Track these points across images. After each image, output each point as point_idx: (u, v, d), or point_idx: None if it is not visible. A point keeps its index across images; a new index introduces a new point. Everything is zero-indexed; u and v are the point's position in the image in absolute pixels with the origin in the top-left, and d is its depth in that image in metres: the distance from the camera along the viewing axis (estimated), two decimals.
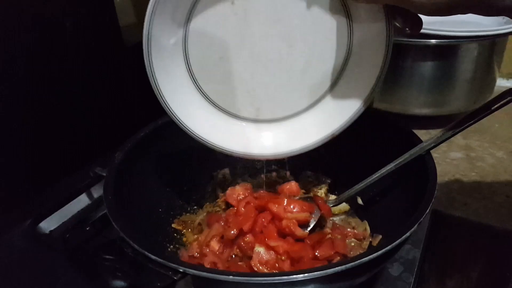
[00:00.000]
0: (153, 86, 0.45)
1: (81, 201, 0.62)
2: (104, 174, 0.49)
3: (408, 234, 0.38)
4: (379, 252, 0.37)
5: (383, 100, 0.85)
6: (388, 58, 0.45)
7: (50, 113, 0.65)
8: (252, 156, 0.52)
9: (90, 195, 0.63)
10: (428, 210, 0.41)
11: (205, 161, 0.65)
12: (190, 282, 0.36)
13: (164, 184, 0.60)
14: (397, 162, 0.51)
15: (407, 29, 0.44)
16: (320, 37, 0.46)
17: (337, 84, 0.51)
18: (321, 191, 0.62)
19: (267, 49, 0.47)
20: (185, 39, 0.46)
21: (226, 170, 0.66)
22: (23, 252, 0.56)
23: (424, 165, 0.49)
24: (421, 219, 0.40)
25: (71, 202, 0.61)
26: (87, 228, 0.56)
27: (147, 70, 0.44)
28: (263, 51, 0.47)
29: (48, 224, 0.58)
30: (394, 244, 0.38)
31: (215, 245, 0.50)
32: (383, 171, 0.52)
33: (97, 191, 0.63)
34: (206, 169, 0.66)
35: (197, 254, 0.50)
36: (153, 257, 0.35)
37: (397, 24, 0.43)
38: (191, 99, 0.50)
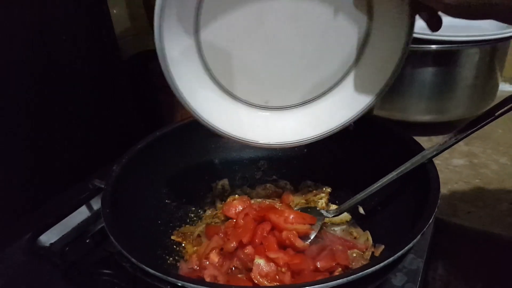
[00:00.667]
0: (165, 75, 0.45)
1: (81, 214, 0.62)
2: (103, 186, 0.49)
3: (411, 244, 0.38)
4: (382, 264, 0.36)
5: (383, 107, 0.84)
6: (405, 54, 0.46)
7: (48, 127, 0.65)
8: (256, 144, 0.52)
9: (89, 208, 0.63)
10: (431, 220, 0.41)
11: (204, 172, 0.65)
12: None
13: (162, 196, 0.59)
14: (399, 170, 0.50)
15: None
16: (336, 34, 0.47)
17: (348, 75, 0.52)
18: (322, 201, 0.61)
19: (281, 41, 0.47)
20: (197, 25, 0.45)
21: (225, 181, 0.66)
22: (23, 266, 0.56)
23: (426, 173, 0.48)
24: (424, 229, 0.39)
25: (70, 215, 0.61)
26: (87, 241, 0.55)
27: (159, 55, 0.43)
28: (277, 42, 0.47)
29: (48, 237, 0.58)
30: (397, 255, 0.37)
31: (214, 257, 0.50)
32: (385, 180, 0.51)
33: (96, 203, 0.63)
34: (204, 180, 0.65)
35: (197, 266, 0.50)
36: (151, 271, 0.35)
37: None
38: (202, 85, 0.49)
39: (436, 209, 0.42)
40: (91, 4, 0.68)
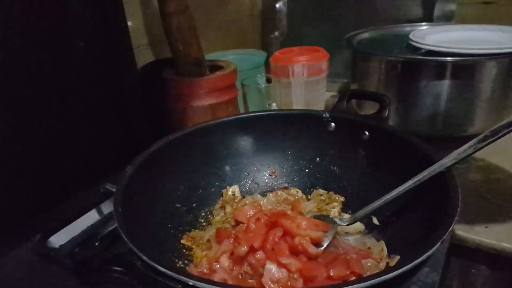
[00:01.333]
0: None
1: (91, 217, 0.61)
2: (114, 190, 0.48)
3: (430, 252, 0.37)
4: (398, 271, 0.35)
5: (396, 121, 0.84)
6: None
7: (62, 131, 0.66)
8: None
9: (99, 211, 0.63)
10: (450, 229, 0.40)
11: (215, 178, 0.65)
12: None
13: (173, 200, 0.59)
14: (416, 179, 0.49)
15: None
16: None
17: None
18: (334, 210, 0.60)
19: None
20: None
21: (236, 188, 0.65)
22: (32, 267, 0.56)
23: (445, 182, 0.47)
24: (444, 237, 0.38)
25: (80, 218, 0.60)
26: (96, 244, 0.55)
27: None
28: None
29: (57, 239, 0.57)
30: (415, 262, 0.36)
31: (225, 261, 0.49)
32: (401, 189, 0.50)
33: (106, 207, 0.63)
34: (215, 186, 0.65)
35: (207, 270, 0.49)
36: (162, 269, 0.34)
37: None
38: None
39: (455, 218, 0.41)
40: (109, 14, 0.69)
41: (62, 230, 0.58)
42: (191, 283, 0.34)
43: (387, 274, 0.35)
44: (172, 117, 0.79)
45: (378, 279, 0.35)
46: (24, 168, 0.61)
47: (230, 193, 0.64)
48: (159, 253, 0.50)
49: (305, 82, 0.88)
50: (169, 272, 0.34)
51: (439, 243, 0.38)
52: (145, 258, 0.35)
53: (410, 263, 0.37)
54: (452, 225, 0.40)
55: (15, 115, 0.59)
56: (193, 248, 0.55)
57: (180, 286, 0.33)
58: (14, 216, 0.60)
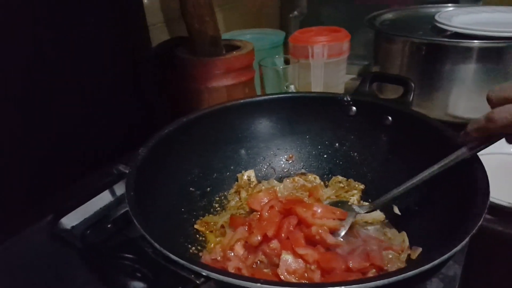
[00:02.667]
0: None
1: (103, 199, 0.60)
2: (127, 172, 0.47)
3: (459, 247, 0.34)
4: (425, 267, 0.33)
5: (420, 105, 0.80)
6: None
7: (75, 110, 0.64)
8: None
9: (112, 193, 0.62)
10: (481, 220, 0.37)
11: (230, 162, 0.63)
12: (214, 287, 0.33)
13: (187, 184, 0.57)
14: (440, 165, 0.46)
15: None
16: None
17: None
18: (354, 198, 0.58)
19: None
20: None
21: (251, 172, 0.63)
22: (43, 247, 0.55)
23: (472, 169, 0.44)
24: (474, 230, 0.36)
25: (93, 199, 0.59)
26: (108, 226, 0.54)
27: None
28: None
29: (69, 220, 0.57)
30: (444, 257, 0.33)
31: (239, 249, 0.47)
32: (425, 174, 0.47)
33: (119, 189, 0.61)
34: (230, 170, 0.63)
35: (220, 258, 0.47)
36: (174, 257, 0.32)
37: None
38: None
39: (486, 209, 0.38)
40: None
41: (74, 211, 0.57)
42: (204, 273, 0.32)
43: (413, 270, 0.33)
44: (187, 98, 0.77)
45: (403, 275, 0.32)
46: (37, 148, 0.60)
47: (245, 177, 0.62)
48: (172, 238, 0.49)
49: (325, 64, 0.85)
50: (181, 261, 0.32)
51: (469, 237, 0.36)
52: (156, 245, 0.34)
53: (436, 256, 0.34)
54: (483, 217, 0.38)
55: (28, 95, 0.58)
56: (206, 233, 0.53)
57: (192, 275, 0.32)
58: (26, 196, 0.60)
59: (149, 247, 0.34)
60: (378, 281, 0.32)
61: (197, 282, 0.31)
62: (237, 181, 0.63)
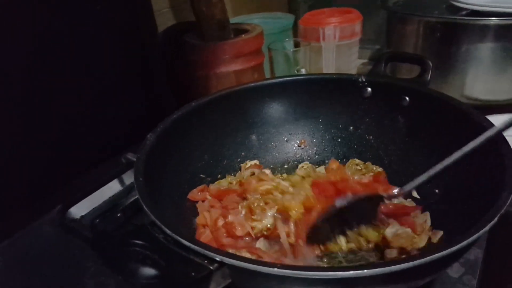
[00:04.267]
0: None
1: (112, 188, 0.59)
2: (137, 156, 0.46)
3: (486, 228, 0.32)
4: (454, 248, 0.31)
5: (436, 87, 0.77)
6: None
7: (81, 99, 0.63)
8: None
9: (121, 182, 0.61)
10: (508, 202, 0.35)
11: (241, 147, 0.61)
12: (228, 274, 0.31)
13: (197, 170, 0.56)
14: (470, 147, 0.43)
15: None
16: None
17: None
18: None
19: None
20: None
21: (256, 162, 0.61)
22: (53, 237, 0.55)
23: (498, 151, 0.42)
24: (500, 212, 0.34)
25: (102, 188, 0.58)
26: (118, 215, 0.54)
27: None
28: None
29: (78, 210, 0.55)
30: (469, 240, 0.31)
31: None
32: (450, 161, 0.44)
33: (128, 178, 0.60)
34: (241, 157, 0.61)
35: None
36: (186, 243, 0.31)
37: None
38: None
39: None
40: None
41: (82, 201, 0.56)
42: (218, 259, 0.30)
43: (438, 252, 0.31)
44: (195, 85, 0.75)
45: (426, 258, 0.30)
46: (46, 140, 0.59)
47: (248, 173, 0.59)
48: (182, 224, 0.47)
49: (337, 46, 0.82)
50: (194, 246, 0.31)
51: (496, 218, 0.34)
52: (167, 230, 0.32)
53: (461, 239, 0.32)
54: (510, 200, 0.36)
55: (35, 85, 0.57)
56: None
57: (206, 261, 0.30)
58: (35, 187, 0.59)
59: (160, 233, 0.32)
60: (401, 265, 0.30)
61: (211, 267, 0.30)
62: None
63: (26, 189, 0.58)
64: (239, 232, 0.46)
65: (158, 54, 0.74)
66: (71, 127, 0.62)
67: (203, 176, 0.56)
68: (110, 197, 0.57)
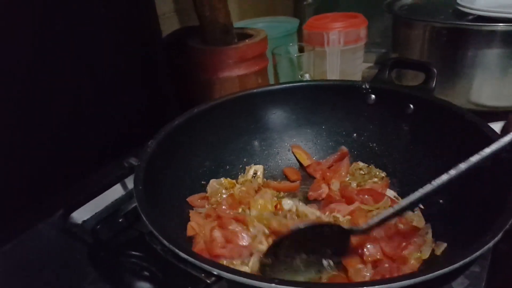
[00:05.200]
0: None
1: (115, 192, 0.59)
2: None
3: (491, 243, 0.32)
4: (457, 265, 0.30)
5: (441, 93, 0.76)
6: None
7: (85, 102, 0.63)
8: None
9: (124, 186, 0.60)
10: None
11: (243, 153, 0.61)
12: (226, 287, 0.31)
13: (198, 177, 0.55)
14: (474, 162, 0.42)
15: None
16: None
17: None
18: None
19: None
20: None
21: (259, 167, 0.61)
22: (54, 242, 0.54)
23: (502, 163, 0.41)
24: (507, 226, 0.33)
25: (104, 193, 0.58)
26: (120, 220, 0.53)
27: None
28: None
29: (81, 215, 0.55)
30: (475, 254, 0.31)
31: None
32: (463, 168, 0.42)
33: (131, 182, 0.59)
34: (243, 162, 0.61)
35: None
36: (184, 255, 0.31)
37: None
38: None
39: None
40: None
41: (85, 206, 0.56)
42: (215, 272, 0.30)
43: (441, 269, 0.30)
44: (198, 90, 0.75)
45: (431, 275, 0.30)
46: (46, 141, 0.59)
47: (251, 172, 0.59)
48: (182, 234, 0.47)
49: (341, 51, 0.82)
50: (191, 259, 0.30)
51: (499, 236, 0.33)
52: (165, 241, 0.32)
53: (462, 256, 0.32)
54: None
55: (38, 88, 0.56)
56: None
57: (203, 274, 0.30)
58: (36, 191, 0.59)
59: (158, 244, 0.32)
60: (403, 281, 0.30)
61: (208, 281, 0.29)
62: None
63: (27, 192, 0.58)
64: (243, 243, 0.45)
65: (162, 59, 0.74)
66: (73, 129, 0.62)
67: (205, 182, 0.55)
68: (112, 202, 0.57)
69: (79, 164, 0.63)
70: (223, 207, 0.50)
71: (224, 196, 0.53)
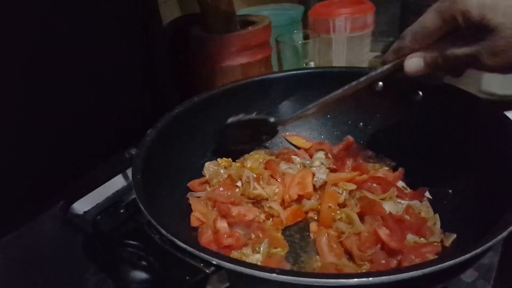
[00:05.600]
0: None
1: (116, 183, 0.58)
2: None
3: (505, 233, 0.30)
4: (468, 255, 0.29)
5: (450, 82, 0.75)
6: None
7: (86, 94, 0.62)
8: None
9: (125, 177, 0.59)
10: None
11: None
12: (226, 277, 0.30)
13: (201, 167, 0.54)
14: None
15: None
16: None
17: None
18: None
19: None
20: None
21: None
22: (55, 233, 0.54)
23: None
24: None
25: (105, 184, 0.57)
26: (121, 211, 0.52)
27: None
28: None
29: (82, 205, 0.54)
30: (487, 245, 0.29)
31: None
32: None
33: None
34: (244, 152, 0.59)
35: None
36: (182, 244, 0.29)
37: None
38: None
39: None
40: None
41: (86, 197, 0.55)
42: (214, 262, 0.29)
43: (451, 260, 0.29)
44: (200, 79, 0.73)
45: (440, 265, 0.29)
46: (48, 133, 0.58)
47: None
48: (181, 224, 0.46)
49: (348, 38, 0.79)
50: (189, 248, 0.29)
51: None
52: (162, 230, 0.31)
53: (473, 247, 0.30)
54: None
55: (38, 78, 0.55)
56: None
57: (202, 264, 0.29)
58: (38, 182, 0.58)
59: (156, 233, 0.31)
60: (410, 272, 0.28)
61: (207, 271, 0.28)
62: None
63: (29, 184, 0.57)
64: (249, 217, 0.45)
65: (163, 47, 0.72)
66: (75, 121, 0.61)
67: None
68: (113, 193, 0.56)
69: (81, 156, 0.62)
70: (220, 189, 0.49)
71: (225, 175, 0.52)
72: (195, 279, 0.27)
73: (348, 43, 0.80)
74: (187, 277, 0.27)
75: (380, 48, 1.05)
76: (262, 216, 0.49)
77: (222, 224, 0.45)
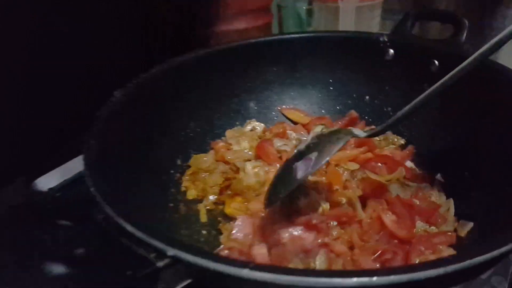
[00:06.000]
0: None
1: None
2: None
3: None
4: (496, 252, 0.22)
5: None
6: None
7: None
8: None
9: None
10: None
11: (235, 115, 0.54)
12: (185, 273, 0.23)
13: (181, 141, 0.48)
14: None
15: None
16: None
17: None
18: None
19: None
20: None
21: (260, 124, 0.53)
22: (15, 208, 0.48)
23: None
24: None
25: (75, 158, 0.51)
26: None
27: None
28: None
29: (47, 181, 0.49)
30: None
31: None
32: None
33: None
34: (235, 125, 0.53)
35: None
36: (128, 226, 0.22)
37: None
38: None
39: None
40: None
41: (50, 172, 0.49)
42: (171, 253, 0.22)
43: (467, 259, 0.22)
44: (192, 46, 0.66)
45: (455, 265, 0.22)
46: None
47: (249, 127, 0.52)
48: (164, 212, 0.40)
49: (357, 8, 0.72)
50: (138, 232, 0.22)
51: None
52: (108, 208, 0.24)
53: (501, 242, 0.24)
54: None
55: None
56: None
57: (153, 255, 0.22)
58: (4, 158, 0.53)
59: (99, 212, 0.24)
60: (424, 272, 0.22)
61: (157, 265, 0.21)
62: None
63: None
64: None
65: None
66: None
67: (191, 150, 0.48)
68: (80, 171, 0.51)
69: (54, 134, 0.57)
70: None
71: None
72: (137, 275, 0.20)
73: (356, 13, 0.73)
74: (128, 272, 0.20)
75: (390, 27, 0.96)
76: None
77: (260, 251, 0.36)
